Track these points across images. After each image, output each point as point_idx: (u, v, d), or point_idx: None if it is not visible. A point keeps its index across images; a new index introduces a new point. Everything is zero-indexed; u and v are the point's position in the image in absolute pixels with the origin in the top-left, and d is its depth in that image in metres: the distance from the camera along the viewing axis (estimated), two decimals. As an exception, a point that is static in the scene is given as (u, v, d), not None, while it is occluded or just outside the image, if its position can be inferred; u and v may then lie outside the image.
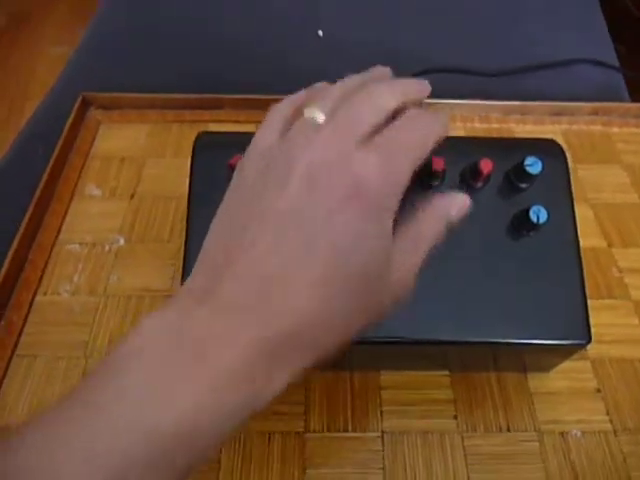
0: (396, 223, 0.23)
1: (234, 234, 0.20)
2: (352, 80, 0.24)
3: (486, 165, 0.29)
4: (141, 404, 0.16)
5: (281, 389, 0.19)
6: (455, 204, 0.24)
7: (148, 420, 0.16)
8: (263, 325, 0.18)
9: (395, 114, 0.23)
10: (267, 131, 0.24)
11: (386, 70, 0.26)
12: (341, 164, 0.20)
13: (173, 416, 0.16)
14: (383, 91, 0.23)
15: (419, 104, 0.24)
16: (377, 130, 0.22)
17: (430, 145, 0.22)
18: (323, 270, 0.19)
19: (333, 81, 0.25)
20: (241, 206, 0.21)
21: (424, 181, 0.30)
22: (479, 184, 0.30)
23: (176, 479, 0.17)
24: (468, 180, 0.30)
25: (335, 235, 0.19)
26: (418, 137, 0.22)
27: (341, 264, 0.19)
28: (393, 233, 0.22)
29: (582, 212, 0.30)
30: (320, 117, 0.22)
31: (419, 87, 0.25)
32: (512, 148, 0.33)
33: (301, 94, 0.26)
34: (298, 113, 0.23)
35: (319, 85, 0.25)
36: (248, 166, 0.22)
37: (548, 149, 0.32)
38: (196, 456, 0.17)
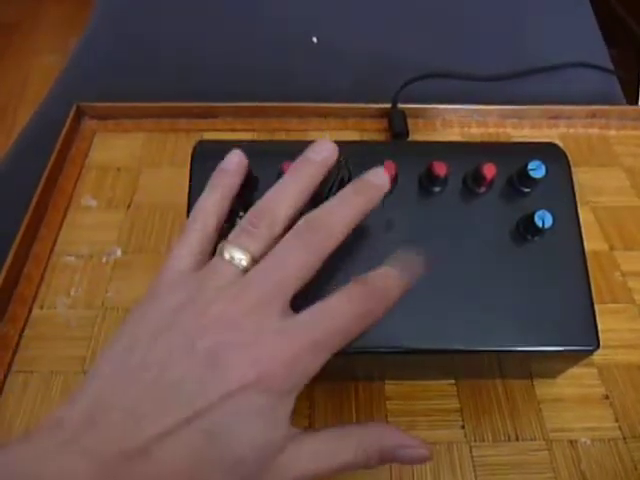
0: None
1: (116, 386, 0.20)
2: (285, 202, 0.23)
3: (489, 170, 0.29)
4: None
5: None
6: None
7: None
8: None
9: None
10: (184, 250, 0.23)
11: (329, 147, 0.25)
12: (250, 350, 0.20)
13: None
14: (314, 244, 0.22)
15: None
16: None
17: (353, 330, 0.21)
18: (195, 452, 0.19)
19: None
20: (139, 347, 0.20)
21: (426, 187, 0.30)
22: (482, 189, 0.30)
23: None
24: (471, 185, 0.30)
25: (218, 419, 0.19)
26: (342, 325, 0.21)
27: (215, 450, 0.19)
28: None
29: (583, 215, 0.30)
30: (243, 261, 0.22)
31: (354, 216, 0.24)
32: (514, 152, 0.32)
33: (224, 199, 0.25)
34: (222, 247, 0.22)
35: (258, 206, 0.24)
36: (159, 302, 0.22)
37: (550, 153, 0.32)
38: None
